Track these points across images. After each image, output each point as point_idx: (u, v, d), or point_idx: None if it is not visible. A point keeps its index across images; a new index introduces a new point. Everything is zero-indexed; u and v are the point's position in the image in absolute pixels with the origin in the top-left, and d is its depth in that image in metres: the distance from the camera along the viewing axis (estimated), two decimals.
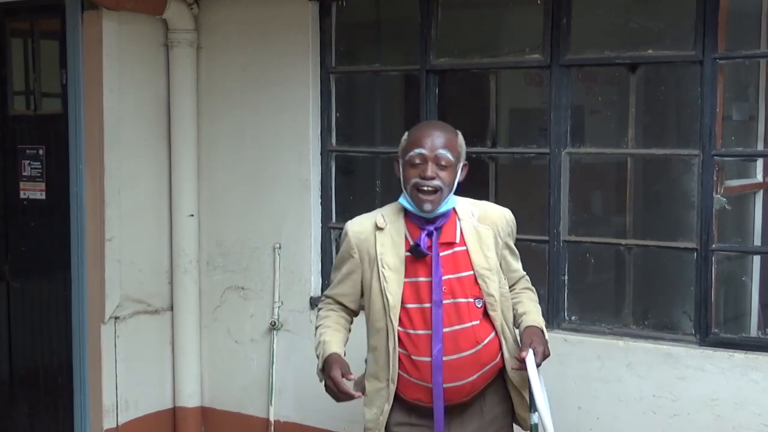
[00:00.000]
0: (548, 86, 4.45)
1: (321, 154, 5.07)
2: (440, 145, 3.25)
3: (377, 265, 3.34)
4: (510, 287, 3.50)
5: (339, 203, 5.12)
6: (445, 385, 3.30)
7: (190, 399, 5.45)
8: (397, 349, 3.31)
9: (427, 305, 3.29)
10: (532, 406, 3.31)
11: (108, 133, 5.05)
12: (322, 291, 5.05)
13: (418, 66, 4.77)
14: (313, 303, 5.05)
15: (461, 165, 3.35)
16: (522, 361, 3.26)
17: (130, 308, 5.22)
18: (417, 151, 3.25)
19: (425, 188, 3.25)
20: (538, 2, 4.42)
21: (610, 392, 4.27)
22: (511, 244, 3.51)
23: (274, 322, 5.17)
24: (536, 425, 3.32)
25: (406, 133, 3.37)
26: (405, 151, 3.31)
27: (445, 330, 3.28)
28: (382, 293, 3.33)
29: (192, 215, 5.36)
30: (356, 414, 4.93)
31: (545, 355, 3.33)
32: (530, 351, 3.25)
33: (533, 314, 3.48)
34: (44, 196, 5.28)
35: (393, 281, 3.32)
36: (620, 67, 4.44)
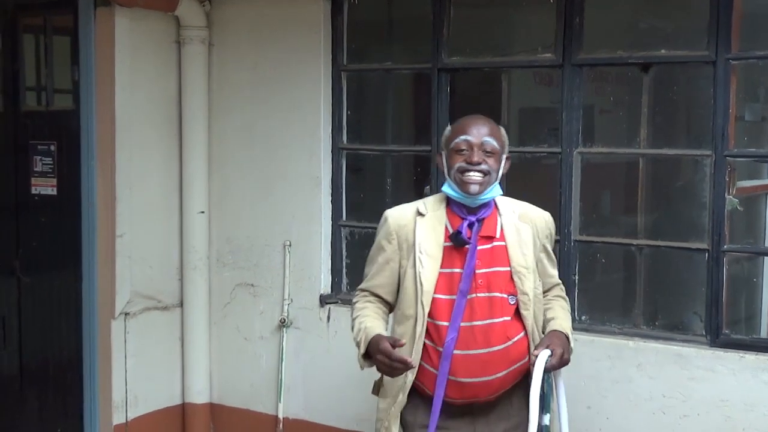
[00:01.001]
0: (559, 86, 4.45)
1: (332, 151, 5.07)
2: (486, 133, 3.32)
3: (415, 251, 3.33)
4: (543, 293, 3.50)
5: (349, 201, 5.13)
6: (474, 380, 3.28)
7: (199, 395, 5.46)
8: (423, 338, 3.29)
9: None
10: (543, 408, 3.29)
11: (119, 129, 5.06)
12: (332, 289, 5.08)
13: (429, 64, 4.77)
14: (323, 301, 5.06)
15: (504, 156, 3.39)
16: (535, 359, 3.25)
17: (140, 304, 5.23)
18: (463, 137, 3.31)
19: (472, 172, 3.27)
20: (551, 1, 4.42)
21: (620, 392, 4.27)
22: (549, 248, 3.53)
23: (284, 320, 5.17)
24: (547, 426, 3.31)
25: (449, 126, 3.44)
26: (449, 140, 3.36)
27: (477, 323, 3.27)
28: (416, 279, 3.31)
29: (202, 212, 5.37)
30: (365, 411, 4.94)
31: (563, 360, 3.30)
32: (545, 351, 3.24)
33: (561, 320, 3.46)
34: (55, 192, 5.28)
35: (429, 268, 3.30)
36: (633, 66, 4.43)
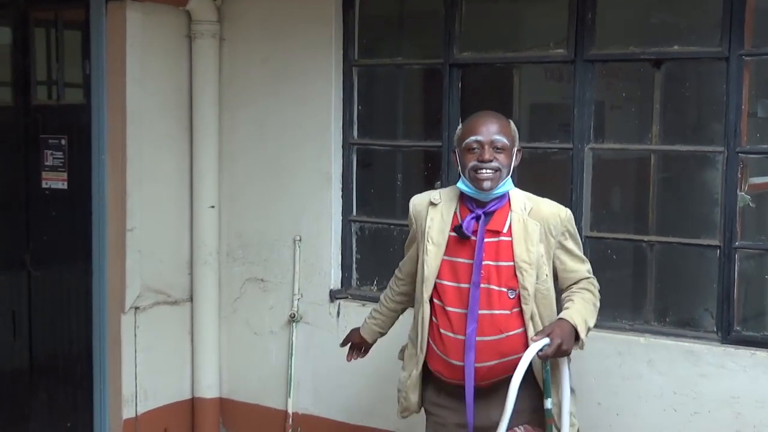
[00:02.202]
0: (571, 81, 4.44)
1: (342, 146, 5.07)
2: (495, 131, 3.43)
3: (424, 237, 3.52)
4: (568, 287, 3.54)
5: (360, 196, 5.12)
6: (461, 363, 3.39)
7: (209, 390, 5.47)
8: (427, 320, 3.47)
9: (465, 285, 3.42)
10: (545, 393, 3.37)
11: (130, 123, 5.07)
12: (342, 284, 5.09)
13: (441, 60, 4.77)
14: (333, 295, 5.06)
15: (515, 150, 3.50)
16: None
17: (150, 299, 5.24)
18: (473, 138, 3.42)
19: (484, 170, 3.39)
20: None
21: (630, 389, 4.26)
22: (568, 244, 3.54)
23: (294, 315, 5.17)
24: (549, 410, 3.38)
25: (461, 125, 3.57)
26: (461, 140, 3.48)
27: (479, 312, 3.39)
28: (422, 265, 3.51)
29: (213, 207, 5.38)
30: (373, 407, 4.95)
31: (561, 351, 3.29)
32: (541, 341, 3.25)
33: (573, 311, 3.41)
34: (66, 186, 5.30)
35: (432, 255, 3.48)
36: (645, 62, 4.41)
